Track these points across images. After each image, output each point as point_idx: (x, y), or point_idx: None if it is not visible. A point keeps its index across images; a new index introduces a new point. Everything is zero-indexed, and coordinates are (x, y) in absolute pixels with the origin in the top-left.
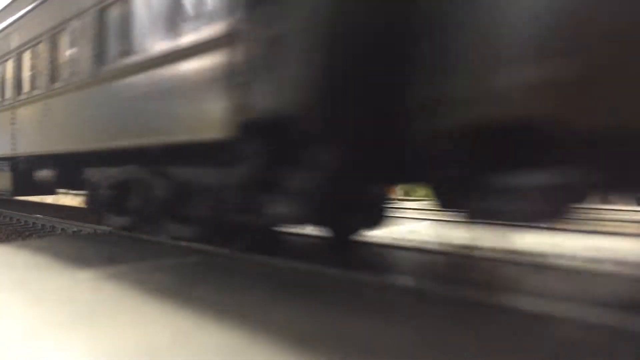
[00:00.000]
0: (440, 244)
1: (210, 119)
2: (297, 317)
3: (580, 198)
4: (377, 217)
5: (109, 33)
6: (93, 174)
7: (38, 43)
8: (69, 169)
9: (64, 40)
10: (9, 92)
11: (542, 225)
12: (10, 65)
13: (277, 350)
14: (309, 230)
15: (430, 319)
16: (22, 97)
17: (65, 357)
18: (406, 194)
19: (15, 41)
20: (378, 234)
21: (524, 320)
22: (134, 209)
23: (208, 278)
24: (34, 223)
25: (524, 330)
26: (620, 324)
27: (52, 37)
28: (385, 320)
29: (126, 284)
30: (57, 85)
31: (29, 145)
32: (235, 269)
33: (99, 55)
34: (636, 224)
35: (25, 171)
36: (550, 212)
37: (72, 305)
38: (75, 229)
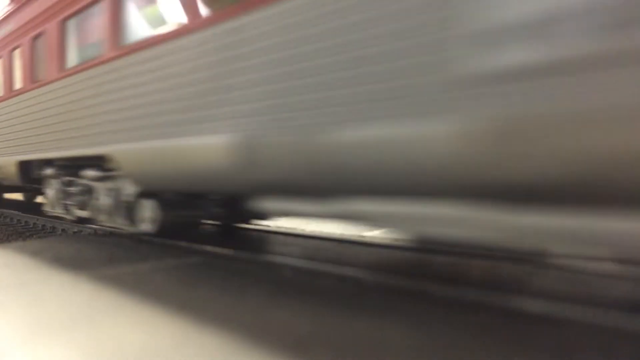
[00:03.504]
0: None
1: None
2: (297, 317)
3: None
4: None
5: None
6: None
7: None
8: None
9: None
10: None
11: None
12: None
13: (277, 351)
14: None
15: (429, 320)
16: None
17: (65, 358)
18: None
19: None
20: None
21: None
22: None
23: (208, 279)
24: (34, 224)
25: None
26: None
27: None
28: (384, 321)
29: (126, 284)
30: None
31: None
32: (236, 269)
33: None
34: None
35: None
36: None
37: (73, 305)
38: (75, 230)
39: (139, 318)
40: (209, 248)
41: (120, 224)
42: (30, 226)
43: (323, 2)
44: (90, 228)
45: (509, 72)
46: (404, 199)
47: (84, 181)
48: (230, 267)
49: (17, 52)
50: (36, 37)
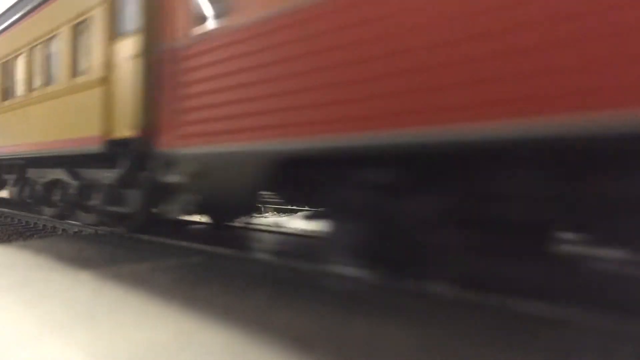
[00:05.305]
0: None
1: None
2: (298, 317)
3: None
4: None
5: None
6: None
7: None
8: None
9: None
10: None
11: None
12: None
13: (278, 351)
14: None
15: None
16: None
17: (66, 357)
18: None
19: None
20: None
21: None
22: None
23: (209, 279)
24: (35, 223)
25: None
26: None
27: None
28: (384, 320)
29: (127, 284)
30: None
31: None
32: (236, 269)
33: None
34: None
35: None
36: None
37: (74, 305)
38: (76, 230)
39: (141, 316)
40: (208, 248)
41: None
42: (31, 226)
43: None
44: (90, 228)
45: None
46: None
47: None
48: (230, 267)
49: None
50: None
